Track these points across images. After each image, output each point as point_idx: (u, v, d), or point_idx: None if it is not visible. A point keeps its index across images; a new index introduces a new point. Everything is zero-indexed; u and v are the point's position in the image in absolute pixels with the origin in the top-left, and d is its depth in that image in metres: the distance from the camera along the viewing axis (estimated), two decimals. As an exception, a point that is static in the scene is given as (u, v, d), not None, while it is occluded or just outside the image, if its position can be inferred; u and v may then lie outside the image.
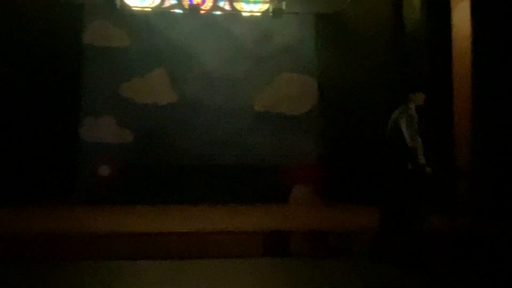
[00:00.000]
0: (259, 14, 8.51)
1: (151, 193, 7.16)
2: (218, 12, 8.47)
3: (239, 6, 8.55)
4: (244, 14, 8.51)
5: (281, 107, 8.27)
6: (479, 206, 5.71)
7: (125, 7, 7.97)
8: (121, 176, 7.37)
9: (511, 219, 5.49)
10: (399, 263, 4.23)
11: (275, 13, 8.03)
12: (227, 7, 8.52)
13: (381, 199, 5.14)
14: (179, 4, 8.27)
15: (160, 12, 8.17)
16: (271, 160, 7.94)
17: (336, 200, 7.65)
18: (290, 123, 8.24)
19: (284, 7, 8.00)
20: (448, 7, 6.18)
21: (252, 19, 8.45)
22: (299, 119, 8.29)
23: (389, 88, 6.85)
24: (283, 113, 8.27)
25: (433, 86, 5.61)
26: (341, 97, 7.95)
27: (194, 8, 8.18)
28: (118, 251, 4.19)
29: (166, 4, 8.26)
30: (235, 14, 8.48)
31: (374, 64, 7.31)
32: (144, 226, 4.80)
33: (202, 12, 8.29)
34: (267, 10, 8.37)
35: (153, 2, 8.22)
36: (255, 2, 8.57)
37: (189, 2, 8.25)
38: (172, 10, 8.27)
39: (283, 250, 4.53)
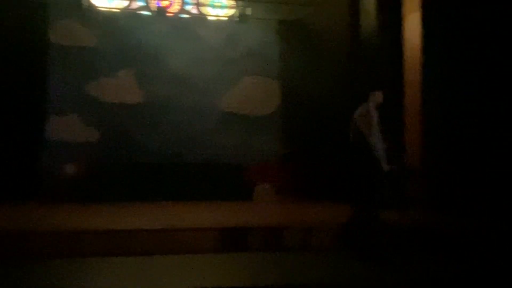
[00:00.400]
0: (225, 18, 8.72)
1: (118, 191, 7.15)
2: (185, 15, 8.61)
3: (205, 10, 8.70)
4: (211, 18, 8.68)
5: (246, 108, 8.49)
6: (429, 201, 6.02)
7: (93, 7, 7.97)
8: (87, 174, 7.33)
9: (459, 212, 5.76)
10: (361, 255, 4.37)
11: (241, 18, 8.26)
12: (194, 10, 8.66)
13: (347, 195, 5.37)
14: (147, 7, 8.34)
15: (127, 14, 8.22)
16: (236, 159, 8.13)
17: (298, 196, 7.89)
18: (254, 123, 8.48)
19: (249, 13, 8.25)
20: (400, 17, 6.59)
21: (218, 24, 8.64)
22: (263, 119, 8.55)
23: (347, 90, 7.15)
24: (247, 114, 8.50)
25: (385, 87, 5.93)
26: (303, 98, 8.23)
27: (161, 11, 8.26)
28: (84, 249, 4.15)
29: (134, 6, 8.31)
30: (202, 17, 8.62)
31: (333, 68, 7.60)
32: (112, 224, 4.78)
33: (169, 14, 8.40)
34: (234, 15, 8.59)
35: (120, 4, 8.24)
36: (221, 7, 8.75)
37: (156, 5, 8.32)
38: (139, 12, 8.32)
39: (248, 246, 4.60)
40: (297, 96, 8.43)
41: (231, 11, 8.69)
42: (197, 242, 4.48)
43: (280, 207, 7.25)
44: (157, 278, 3.54)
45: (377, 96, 4.59)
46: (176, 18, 8.49)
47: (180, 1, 8.58)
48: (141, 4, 8.36)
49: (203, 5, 8.67)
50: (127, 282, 3.43)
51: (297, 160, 8.27)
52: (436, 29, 6.25)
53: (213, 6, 8.72)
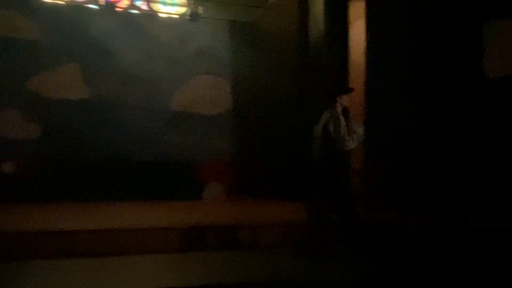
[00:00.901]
0: (177, 16, 8.67)
1: (62, 190, 6.89)
2: (135, 11, 8.45)
3: (156, 7, 8.59)
4: (161, 15, 8.57)
5: (197, 107, 8.52)
6: (370, 200, 6.23)
7: (36, -2, 7.64)
8: (28, 172, 7.01)
9: (398, 211, 5.99)
10: (309, 252, 4.55)
11: (193, 17, 8.25)
12: (144, 6, 8.53)
13: (297, 194, 5.48)
14: (94, 0, 8.09)
15: (74, 6, 7.91)
16: (186, 157, 8.10)
17: (248, 195, 8.01)
18: (205, 122, 8.53)
19: (201, 12, 8.24)
20: (346, 23, 6.90)
21: (169, 21, 8.56)
22: (214, 119, 8.62)
23: (296, 92, 7.39)
24: (198, 113, 8.54)
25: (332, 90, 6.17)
26: (253, 99, 8.39)
27: (110, 5, 8.05)
28: (24, 251, 3.99)
29: (81, -2, 8.04)
30: (152, 14, 8.50)
31: (283, 70, 7.78)
32: (54, 225, 4.64)
33: (118, 9, 8.20)
34: (185, 13, 8.53)
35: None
36: (172, 5, 8.67)
37: (104, -1, 8.15)
38: (87, 5, 8.02)
39: (200, 245, 4.61)
40: (247, 96, 8.58)
41: (183, 9, 8.65)
42: (144, 242, 4.41)
43: (230, 206, 7.31)
44: (108, 279, 3.48)
45: (344, 100, 4.82)
46: (125, 13, 8.31)
47: (130, -4, 8.42)
48: (89, -3, 8.11)
49: (154, 1, 8.57)
50: (79, 285, 3.35)
51: (248, 160, 8.40)
52: (379, 35, 6.60)
53: (164, 3, 8.63)
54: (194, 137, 8.39)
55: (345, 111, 4.94)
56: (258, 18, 8.54)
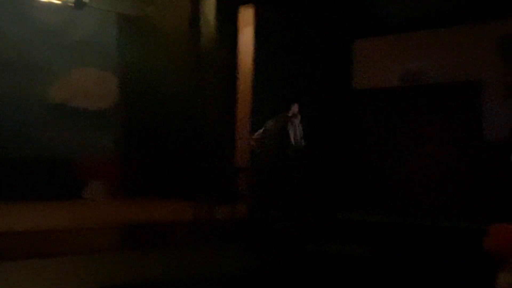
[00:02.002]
0: (59, 2, 8.07)
1: None
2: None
3: (35, -11, 7.93)
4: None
5: (79, 101, 8.01)
6: (255, 197, 6.60)
7: None
8: None
9: (282, 208, 6.43)
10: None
11: (77, 4, 7.75)
12: (20, -12, 7.79)
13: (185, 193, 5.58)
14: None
15: None
16: (66, 154, 7.59)
17: (133, 194, 7.78)
18: (88, 118, 8.07)
19: (87, 0, 7.85)
20: (236, 29, 7.30)
21: (50, 6, 7.93)
22: (97, 114, 8.19)
23: (185, 90, 7.55)
24: (80, 107, 8.05)
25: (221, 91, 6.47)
26: (141, 95, 8.26)
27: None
28: None
29: None
30: (29, -3, 7.83)
31: (172, 69, 7.83)
32: None
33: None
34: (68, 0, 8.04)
35: None
36: (54, -11, 8.11)
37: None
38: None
39: (83, 247, 4.44)
40: (135, 92, 8.38)
41: (65, -5, 8.12)
42: (19, 247, 4.07)
43: (113, 206, 7.13)
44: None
45: (295, 107, 5.65)
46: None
47: (4, -25, 7.60)
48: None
49: (32, -17, 7.86)
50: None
51: (134, 157, 8.22)
52: (266, 41, 7.19)
53: (44, -14, 7.98)
54: (75, 133, 7.89)
55: (296, 116, 5.57)
56: (148, 13, 8.45)
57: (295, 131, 5.69)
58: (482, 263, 3.03)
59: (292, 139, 5.66)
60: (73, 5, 7.80)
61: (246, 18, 7.35)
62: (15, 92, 7.30)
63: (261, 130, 5.91)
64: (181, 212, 5.73)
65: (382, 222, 5.35)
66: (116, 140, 8.37)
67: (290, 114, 5.80)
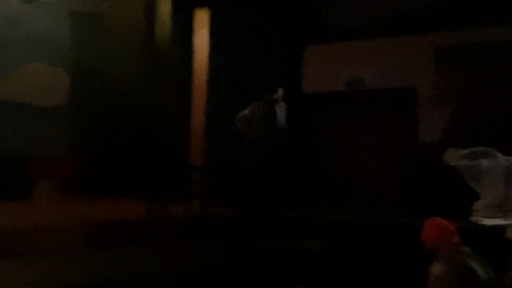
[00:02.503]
0: (6, -5, 7.82)
1: None
2: None
3: (-20, -20, 7.64)
4: (-14, -8, 7.66)
5: (28, 97, 7.83)
6: (208, 195, 6.74)
7: None
8: None
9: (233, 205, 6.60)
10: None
11: (26, -2, 7.60)
12: (-37, -23, 7.48)
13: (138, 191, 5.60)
14: None
15: None
16: (14, 153, 7.39)
17: (84, 193, 7.60)
18: (37, 114, 7.89)
19: (36, -7, 7.69)
20: (192, 31, 7.46)
21: (-3, 0, 7.71)
22: (47, 111, 8.03)
23: (140, 87, 7.62)
24: (29, 104, 7.86)
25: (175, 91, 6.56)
26: (94, 92, 8.17)
27: None
28: None
29: None
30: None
31: (127, 66, 7.78)
32: None
33: None
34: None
35: None
36: (1, -20, 7.84)
37: None
38: None
39: (34, 247, 4.34)
40: (87, 89, 8.27)
41: (14, -12, 7.88)
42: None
43: (64, 205, 6.87)
44: None
45: (280, 92, 5.66)
46: None
47: None
48: None
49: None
50: None
51: (86, 155, 8.11)
52: (220, 43, 7.41)
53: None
54: (24, 130, 7.71)
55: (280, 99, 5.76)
56: (102, 10, 8.37)
57: (281, 114, 5.63)
58: (420, 254, 3.32)
59: (278, 121, 5.60)
60: (21, -2, 7.66)
61: (202, 20, 7.51)
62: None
63: (246, 111, 5.97)
64: (135, 210, 5.78)
65: (328, 219, 5.65)
66: (68, 138, 8.23)
67: (276, 97, 5.75)
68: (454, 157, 5.59)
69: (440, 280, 2.63)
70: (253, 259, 4.85)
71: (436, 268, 2.71)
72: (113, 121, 7.88)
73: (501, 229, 4.20)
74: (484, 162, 5.57)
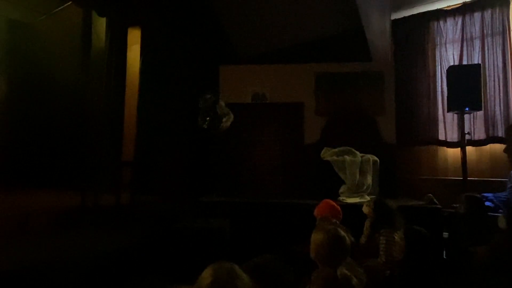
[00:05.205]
0: None
1: None
2: None
3: None
4: None
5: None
6: (135, 186, 7.20)
7: None
8: None
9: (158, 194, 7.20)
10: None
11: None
12: None
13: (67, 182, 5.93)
14: None
15: None
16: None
17: (20, 184, 8.06)
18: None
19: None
20: (125, 47, 8.13)
21: None
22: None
23: (74, 91, 8.03)
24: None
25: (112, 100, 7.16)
26: (29, 92, 8.62)
27: None
28: None
29: None
30: None
31: (62, 79, 8.29)
32: None
33: None
34: None
35: None
36: None
37: None
38: None
39: None
40: (21, 89, 8.73)
41: None
42: None
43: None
44: None
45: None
46: None
47: None
48: None
49: None
50: None
51: (13, 147, 8.48)
52: (150, 59, 8.12)
53: None
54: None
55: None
56: (40, 21, 8.78)
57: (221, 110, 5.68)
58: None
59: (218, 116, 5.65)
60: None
61: (134, 37, 8.22)
62: None
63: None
64: (68, 200, 5.95)
65: (233, 202, 6.20)
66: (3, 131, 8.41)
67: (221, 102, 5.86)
68: (328, 154, 6.83)
69: (319, 245, 3.02)
70: (173, 237, 5.07)
71: (316, 236, 3.11)
72: (49, 120, 8.38)
73: (358, 205, 5.00)
74: (347, 158, 6.61)
